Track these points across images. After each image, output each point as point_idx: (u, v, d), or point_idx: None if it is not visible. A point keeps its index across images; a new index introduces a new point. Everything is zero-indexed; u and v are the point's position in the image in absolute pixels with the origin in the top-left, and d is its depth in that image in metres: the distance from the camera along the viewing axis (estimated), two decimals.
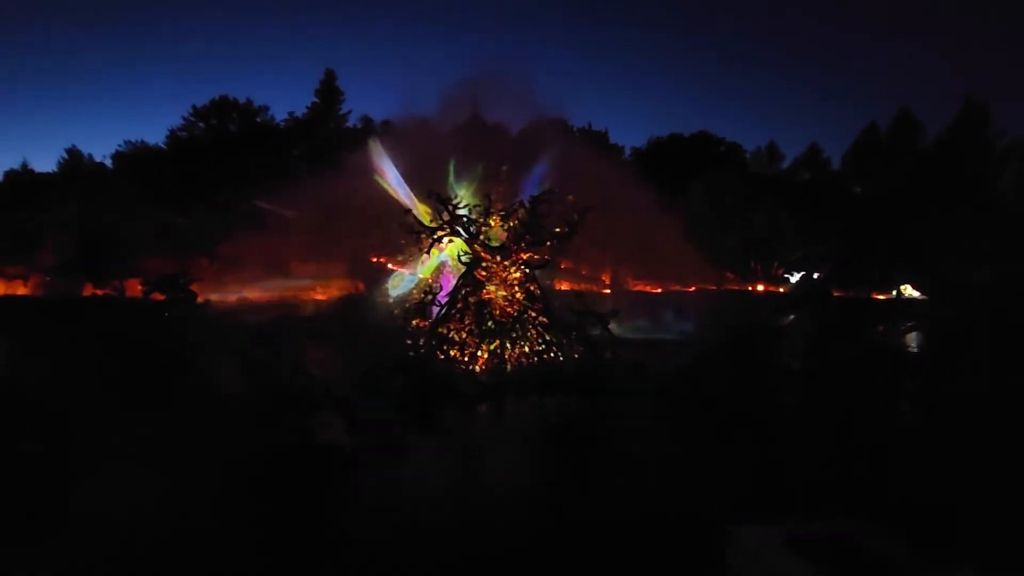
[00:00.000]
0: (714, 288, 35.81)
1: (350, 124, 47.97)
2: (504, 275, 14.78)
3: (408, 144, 23.37)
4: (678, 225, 29.79)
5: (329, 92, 48.26)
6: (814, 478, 7.65)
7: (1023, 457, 8.25)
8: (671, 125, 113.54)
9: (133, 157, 47.25)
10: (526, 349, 14.31)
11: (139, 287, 26.44)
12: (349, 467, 7.95)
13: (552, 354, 14.31)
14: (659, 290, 34.87)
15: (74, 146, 48.37)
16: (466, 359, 14.03)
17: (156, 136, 50.22)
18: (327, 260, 29.44)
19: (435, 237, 15.56)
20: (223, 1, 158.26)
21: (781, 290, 41.63)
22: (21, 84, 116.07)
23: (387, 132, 31.27)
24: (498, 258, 14.83)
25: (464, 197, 16.77)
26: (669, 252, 30.13)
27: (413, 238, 16.10)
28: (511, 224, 15.09)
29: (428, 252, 16.23)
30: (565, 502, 7.04)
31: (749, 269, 41.33)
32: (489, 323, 14.34)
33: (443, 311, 14.95)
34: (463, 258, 15.46)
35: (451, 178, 19.90)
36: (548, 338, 14.46)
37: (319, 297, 29.38)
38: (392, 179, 21.34)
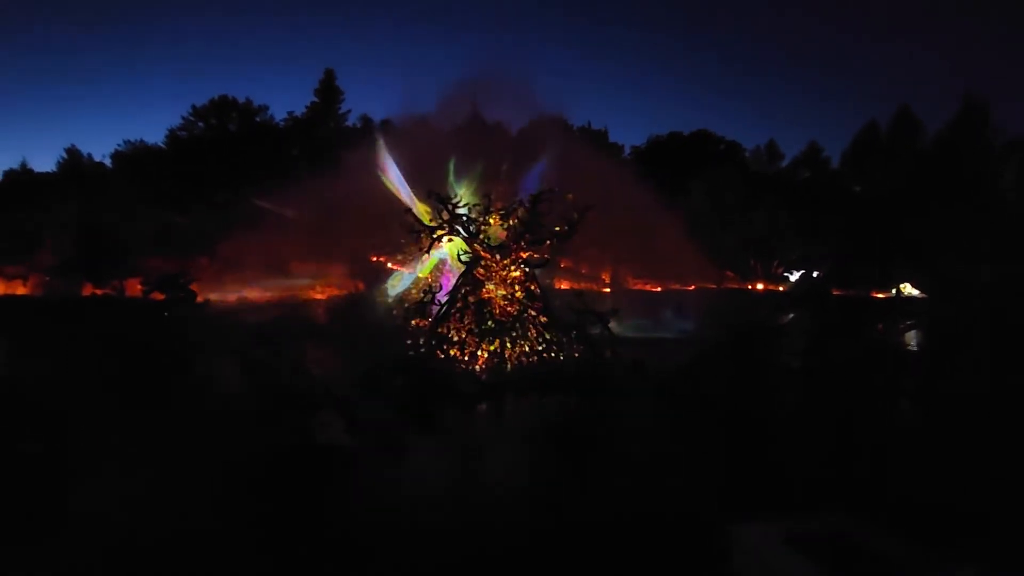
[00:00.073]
0: (714, 287, 35.83)
1: (349, 123, 48.05)
2: (504, 274, 14.77)
3: (408, 143, 23.38)
4: (678, 224, 29.80)
5: (328, 91, 48.26)
6: (814, 477, 7.65)
7: (1023, 457, 8.25)
8: (671, 124, 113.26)
9: (132, 157, 47.24)
10: (526, 348, 14.31)
11: (139, 287, 26.49)
12: (349, 467, 7.94)
13: (552, 353, 14.31)
14: (659, 289, 34.90)
15: (73, 146, 48.45)
16: (466, 358, 14.02)
17: (155, 136, 50.31)
18: (327, 260, 29.46)
19: (435, 236, 15.56)
20: (223, 1, 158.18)
21: (781, 289, 41.64)
22: (20, 84, 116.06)
23: (387, 131, 31.22)
24: (498, 257, 14.82)
25: (464, 196, 16.75)
26: (669, 251, 30.15)
27: (413, 237, 16.11)
28: (511, 223, 15.08)
29: (428, 251, 16.24)
30: (565, 501, 7.03)
31: (749, 268, 41.34)
32: (489, 322, 14.33)
33: (443, 310, 14.95)
34: (463, 257, 15.46)
35: (451, 177, 19.89)
36: (548, 337, 14.46)
37: (319, 297, 29.39)
38: (394, 177, 21.36)
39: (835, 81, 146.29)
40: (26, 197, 37.75)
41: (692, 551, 5.61)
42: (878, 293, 40.12)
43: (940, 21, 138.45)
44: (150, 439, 8.88)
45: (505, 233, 15.21)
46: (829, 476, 7.64)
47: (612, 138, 51.60)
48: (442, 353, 14.07)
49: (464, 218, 15.26)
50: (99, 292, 32.72)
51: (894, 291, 40.48)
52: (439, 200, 15.38)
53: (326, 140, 41.28)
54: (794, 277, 43.13)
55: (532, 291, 14.90)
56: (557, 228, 14.99)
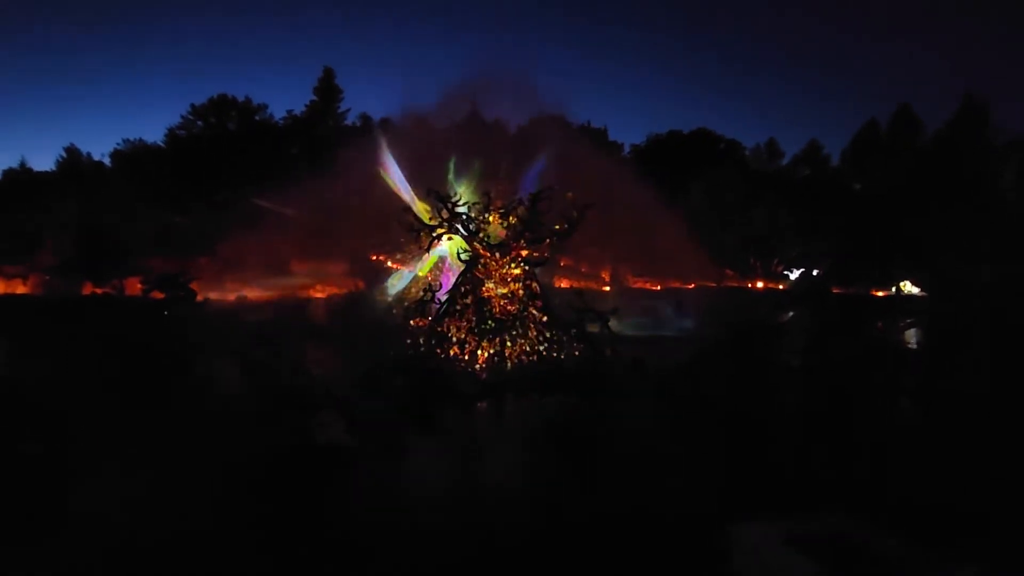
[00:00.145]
0: (714, 285, 35.83)
1: (349, 122, 48.04)
2: (504, 272, 14.76)
3: (407, 142, 23.40)
4: (677, 222, 29.83)
5: (328, 90, 48.24)
6: (814, 476, 7.65)
7: (1023, 456, 8.25)
8: (670, 122, 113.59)
9: (132, 156, 47.21)
10: (526, 347, 14.30)
11: (138, 286, 26.46)
12: (349, 467, 7.94)
13: (552, 352, 14.31)
14: (659, 287, 34.94)
15: (73, 145, 48.42)
16: (466, 357, 14.02)
17: (155, 135, 49.99)
18: (326, 259, 29.51)
19: (435, 235, 15.56)
20: (223, 1, 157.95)
21: (781, 287, 41.65)
22: (20, 83, 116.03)
23: (386, 130, 31.21)
24: (497, 255, 14.80)
25: (463, 194, 16.74)
26: (668, 249, 30.20)
27: (412, 236, 16.10)
28: (510, 221, 15.06)
29: (428, 250, 16.23)
30: (565, 501, 7.04)
31: (749, 266, 41.36)
32: (489, 321, 14.32)
33: (443, 309, 14.94)
34: (462, 256, 15.44)
35: (451, 176, 19.89)
36: (548, 336, 14.45)
37: (319, 296, 29.40)
38: (394, 175, 21.38)
39: (835, 80, 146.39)
40: (26, 197, 37.77)
41: (692, 551, 5.61)
42: (878, 291, 40.15)
43: (940, 21, 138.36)
44: (150, 439, 8.87)
45: (505, 231, 15.19)
46: (829, 476, 7.64)
47: (612, 137, 51.71)
48: (442, 352, 14.07)
49: (464, 216, 15.24)
50: (99, 291, 32.70)
51: (894, 289, 40.52)
52: (439, 199, 15.36)
53: (325, 139, 41.30)
54: (794, 275, 43.13)
55: (532, 289, 14.88)
56: (557, 226, 14.96)
